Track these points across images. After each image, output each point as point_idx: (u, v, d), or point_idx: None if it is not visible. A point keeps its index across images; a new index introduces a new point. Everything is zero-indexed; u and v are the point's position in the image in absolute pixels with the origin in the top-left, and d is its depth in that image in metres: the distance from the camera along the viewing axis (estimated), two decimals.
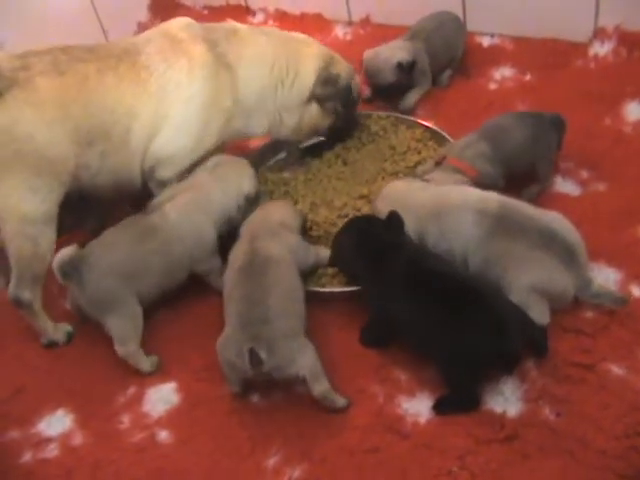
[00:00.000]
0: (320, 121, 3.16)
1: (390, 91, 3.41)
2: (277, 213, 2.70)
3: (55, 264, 2.46)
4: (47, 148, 2.48)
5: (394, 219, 2.46)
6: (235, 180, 2.80)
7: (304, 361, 2.25)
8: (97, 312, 2.54)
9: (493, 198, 2.48)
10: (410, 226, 2.49)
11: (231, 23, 3.06)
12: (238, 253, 2.52)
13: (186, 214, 2.67)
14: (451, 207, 2.49)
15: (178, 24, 2.92)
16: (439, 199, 2.53)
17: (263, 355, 2.17)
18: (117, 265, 2.54)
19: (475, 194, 2.52)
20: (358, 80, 3.25)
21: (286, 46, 3.02)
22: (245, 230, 2.64)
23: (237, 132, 3.03)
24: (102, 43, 2.67)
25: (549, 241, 2.35)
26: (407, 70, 3.36)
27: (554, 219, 2.42)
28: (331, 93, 3.09)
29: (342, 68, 3.12)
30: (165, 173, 2.84)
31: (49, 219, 2.55)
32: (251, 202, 2.78)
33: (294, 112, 3.08)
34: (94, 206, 2.90)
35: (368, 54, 3.45)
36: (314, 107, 3.10)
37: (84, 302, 2.54)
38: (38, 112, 2.45)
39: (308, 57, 3.04)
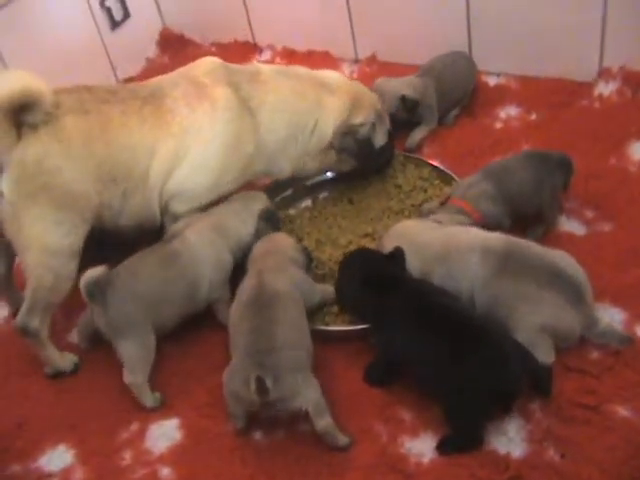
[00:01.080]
0: (338, 167, 3.22)
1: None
2: (284, 247, 2.71)
3: (82, 282, 2.48)
4: (72, 183, 2.53)
5: (397, 254, 2.48)
6: (248, 204, 2.86)
7: (308, 394, 2.24)
8: (114, 335, 2.54)
9: (499, 238, 2.49)
10: (416, 265, 2.51)
11: (255, 64, 3.11)
12: (245, 287, 2.53)
13: (206, 237, 2.71)
14: (458, 248, 2.50)
15: (204, 67, 2.93)
16: (446, 240, 2.54)
17: (269, 383, 2.16)
18: (140, 291, 2.57)
19: (481, 235, 2.53)
20: (385, 118, 3.22)
21: (308, 93, 2.99)
22: (252, 263, 2.66)
23: (259, 174, 3.04)
24: (126, 85, 2.71)
25: (556, 279, 2.35)
26: (409, 107, 3.37)
27: (560, 257, 2.43)
28: (349, 145, 3.11)
29: (364, 116, 3.08)
30: (180, 207, 2.86)
31: (72, 253, 2.59)
32: (267, 223, 2.83)
33: (315, 158, 3.10)
34: (112, 249, 2.90)
35: (380, 80, 3.48)
36: (332, 154, 3.12)
37: (104, 324, 2.54)
38: (65, 148, 2.52)
39: (329, 107, 3.01)
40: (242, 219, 2.81)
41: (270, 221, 2.86)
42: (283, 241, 2.76)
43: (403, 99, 3.36)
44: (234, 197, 2.90)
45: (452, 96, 3.55)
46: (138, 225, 2.82)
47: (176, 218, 2.86)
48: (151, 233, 2.90)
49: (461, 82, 3.58)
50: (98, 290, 2.49)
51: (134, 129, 2.68)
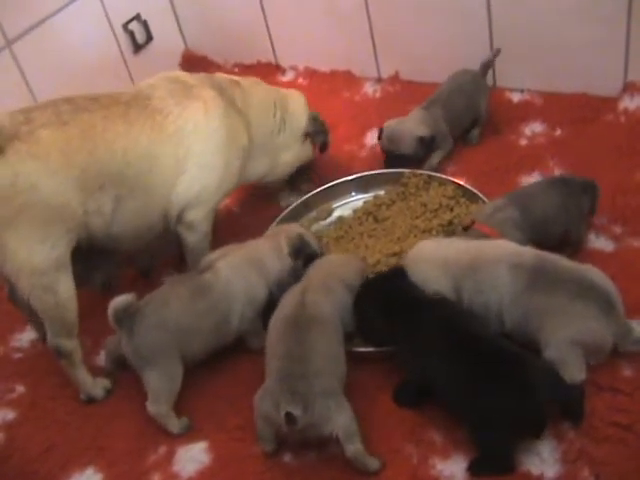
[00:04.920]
0: (304, 156, 3.41)
1: (403, 163, 3.39)
2: (342, 269, 2.68)
3: (110, 309, 2.47)
4: (52, 197, 2.46)
5: (399, 273, 2.53)
6: (284, 239, 2.80)
7: (340, 420, 2.22)
8: (140, 364, 2.53)
9: (528, 252, 2.47)
10: (447, 284, 2.49)
11: (223, 74, 3.23)
12: (288, 302, 2.52)
13: (239, 271, 2.68)
14: (486, 262, 2.48)
15: (180, 73, 3.06)
16: (474, 253, 2.52)
17: (298, 413, 2.15)
18: (170, 321, 2.54)
19: (510, 248, 2.51)
20: None
21: (276, 93, 3.27)
22: (306, 276, 2.66)
23: (244, 175, 3.12)
24: (105, 92, 2.70)
25: (587, 290, 2.33)
26: (427, 145, 3.36)
27: (589, 269, 2.41)
28: (318, 129, 3.40)
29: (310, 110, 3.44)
30: (196, 214, 2.88)
31: (61, 265, 2.53)
32: (300, 260, 2.78)
33: (292, 150, 3.31)
34: (101, 262, 2.91)
35: (390, 123, 3.45)
36: (307, 143, 3.39)
37: (130, 351, 2.53)
38: (41, 163, 2.44)
39: (294, 100, 3.33)
40: (279, 256, 2.76)
41: (301, 255, 2.78)
42: (345, 262, 2.75)
43: (421, 140, 3.35)
44: (273, 230, 2.93)
45: (466, 117, 3.53)
46: (135, 231, 2.79)
47: (192, 226, 2.89)
48: (150, 243, 2.92)
49: (472, 103, 3.53)
50: (126, 317, 2.49)
51: (120, 133, 2.64)
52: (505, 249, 2.51)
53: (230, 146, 2.92)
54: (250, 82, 3.21)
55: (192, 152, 2.80)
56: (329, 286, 2.57)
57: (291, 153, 3.32)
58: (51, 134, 2.49)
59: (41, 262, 2.48)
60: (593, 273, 2.40)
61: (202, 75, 3.05)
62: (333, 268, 2.67)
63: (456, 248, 2.58)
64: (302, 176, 3.49)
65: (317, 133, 3.41)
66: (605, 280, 2.39)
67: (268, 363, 2.40)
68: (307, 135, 3.36)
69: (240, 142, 2.99)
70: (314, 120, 3.38)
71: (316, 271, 2.67)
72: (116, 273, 3.05)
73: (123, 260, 3.04)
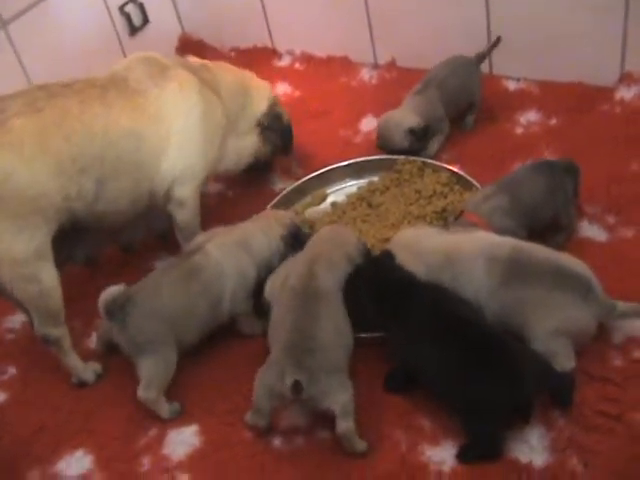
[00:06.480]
0: (258, 150, 3.34)
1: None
2: (346, 242, 2.68)
3: (101, 302, 2.46)
4: (28, 187, 2.43)
5: (386, 257, 2.53)
6: (275, 223, 2.82)
7: (338, 396, 2.24)
8: (135, 352, 2.53)
9: (504, 244, 2.47)
10: (422, 273, 2.49)
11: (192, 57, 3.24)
12: (294, 272, 2.53)
13: (228, 251, 2.69)
14: (463, 255, 2.48)
15: (153, 54, 3.05)
16: (450, 247, 2.52)
17: (304, 383, 2.17)
18: (162, 308, 2.54)
19: (488, 240, 2.51)
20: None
21: (240, 75, 3.27)
22: (308, 247, 2.66)
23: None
24: (78, 78, 2.69)
25: (564, 279, 2.33)
26: (420, 135, 3.31)
27: (563, 257, 2.41)
28: (276, 127, 3.34)
29: (284, 111, 3.41)
30: (183, 191, 2.89)
31: (42, 254, 2.51)
32: (291, 246, 2.79)
33: (244, 138, 3.27)
34: (84, 238, 2.89)
35: (381, 120, 3.40)
36: (256, 135, 3.31)
37: (124, 341, 2.53)
38: (14, 152, 2.41)
39: (257, 87, 3.31)
40: (268, 237, 2.78)
41: (294, 244, 2.79)
42: (347, 236, 2.74)
43: (412, 131, 3.30)
44: (261, 214, 2.93)
45: (461, 101, 3.50)
46: (118, 210, 2.77)
47: (181, 203, 2.90)
48: (134, 219, 2.92)
49: (467, 87, 3.50)
50: (117, 308, 2.48)
51: (98, 115, 2.62)
52: (483, 242, 2.51)
53: (208, 122, 2.94)
54: (215, 64, 3.21)
55: (173, 130, 2.82)
56: (334, 260, 2.56)
57: (242, 141, 3.26)
58: (24, 122, 2.46)
59: (20, 253, 2.45)
60: (568, 260, 2.40)
61: (174, 57, 3.08)
62: (337, 242, 2.66)
63: (435, 240, 2.58)
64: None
65: (270, 129, 3.33)
66: (580, 265, 2.39)
67: (273, 336, 2.41)
68: (261, 128, 3.31)
69: (218, 120, 3.01)
70: (274, 118, 3.32)
71: (321, 244, 2.66)
72: (99, 248, 3.05)
73: (105, 236, 3.04)
